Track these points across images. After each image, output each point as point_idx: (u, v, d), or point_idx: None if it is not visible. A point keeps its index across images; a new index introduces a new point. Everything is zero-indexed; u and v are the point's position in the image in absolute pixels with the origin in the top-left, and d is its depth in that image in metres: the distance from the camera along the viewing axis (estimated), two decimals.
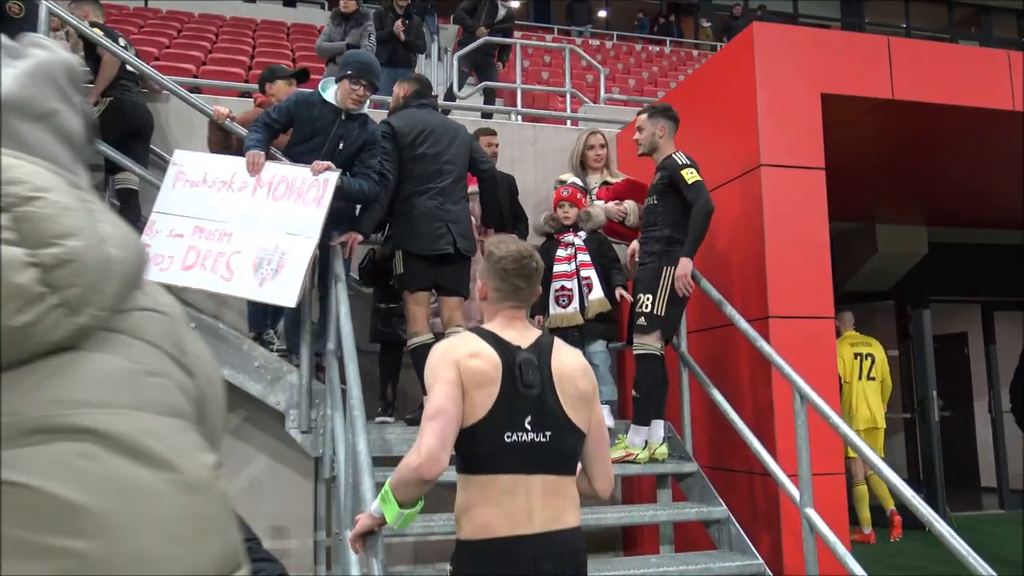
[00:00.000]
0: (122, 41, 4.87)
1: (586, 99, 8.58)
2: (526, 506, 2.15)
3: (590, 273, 4.66)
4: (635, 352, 4.28)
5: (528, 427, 2.18)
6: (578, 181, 4.97)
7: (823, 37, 5.04)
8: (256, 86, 5.22)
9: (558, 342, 2.37)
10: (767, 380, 4.19)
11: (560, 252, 4.71)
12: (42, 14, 4.26)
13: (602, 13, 21.68)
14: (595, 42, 17.05)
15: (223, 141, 4.50)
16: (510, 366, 2.20)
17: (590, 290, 4.64)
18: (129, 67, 4.72)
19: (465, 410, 2.14)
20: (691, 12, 21.87)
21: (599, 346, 4.67)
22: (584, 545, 2.25)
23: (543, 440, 2.20)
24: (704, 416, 4.61)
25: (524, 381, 2.20)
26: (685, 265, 4.12)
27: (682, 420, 4.48)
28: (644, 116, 4.46)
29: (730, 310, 4.18)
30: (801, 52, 4.73)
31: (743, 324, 4.08)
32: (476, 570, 2.15)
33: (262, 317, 4.48)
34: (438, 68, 10.03)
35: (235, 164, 4.00)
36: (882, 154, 5.86)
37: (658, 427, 4.33)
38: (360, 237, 4.11)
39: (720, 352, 4.64)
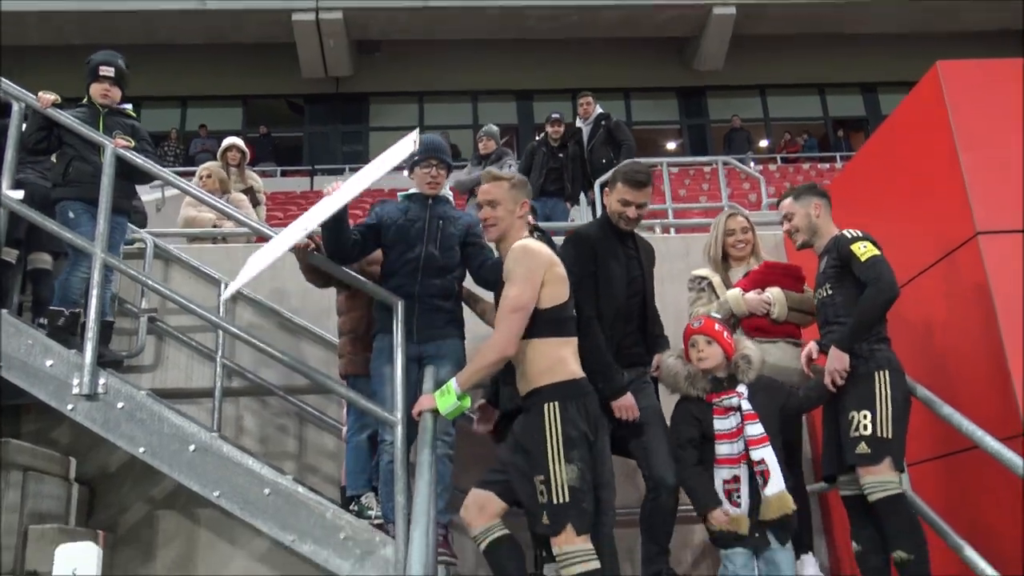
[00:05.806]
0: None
1: (744, 211, 7.60)
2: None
3: (763, 454, 3.15)
4: (873, 496, 3.08)
5: None
6: (715, 313, 3.60)
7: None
8: None
9: None
10: None
11: (719, 424, 3.24)
12: None
13: (763, 143, 20.80)
14: (758, 167, 16.12)
15: (321, 283, 3.84)
16: None
17: (765, 481, 3.13)
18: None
19: (554, 294, 2.91)
20: (861, 127, 20.61)
21: (783, 554, 3.12)
22: None
23: None
24: None
25: None
26: (839, 359, 3.21)
27: None
28: (789, 200, 3.63)
29: (970, 427, 2.98)
30: (1005, 86, 3.69)
31: (994, 445, 2.86)
32: (577, 399, 2.84)
33: (362, 474, 3.72)
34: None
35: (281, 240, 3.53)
36: None
37: None
38: None
39: (961, 489, 3.37)
